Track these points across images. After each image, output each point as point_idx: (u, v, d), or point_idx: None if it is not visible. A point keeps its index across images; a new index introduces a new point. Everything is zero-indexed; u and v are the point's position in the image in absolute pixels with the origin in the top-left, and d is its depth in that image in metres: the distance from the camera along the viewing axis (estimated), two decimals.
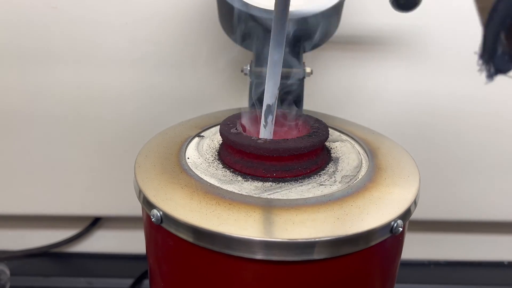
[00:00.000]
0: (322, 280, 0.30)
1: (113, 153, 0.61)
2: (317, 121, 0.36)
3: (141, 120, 0.59)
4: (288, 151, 0.32)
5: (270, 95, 0.33)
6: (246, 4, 0.41)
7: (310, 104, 0.56)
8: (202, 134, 0.39)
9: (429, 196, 0.64)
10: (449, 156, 0.62)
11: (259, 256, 0.28)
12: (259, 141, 0.32)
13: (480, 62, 0.22)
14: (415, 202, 0.32)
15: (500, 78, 0.23)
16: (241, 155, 0.33)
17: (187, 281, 0.31)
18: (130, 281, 0.65)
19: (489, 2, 0.20)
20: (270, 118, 0.34)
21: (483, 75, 0.23)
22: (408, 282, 0.67)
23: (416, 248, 0.70)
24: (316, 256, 0.28)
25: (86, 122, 0.60)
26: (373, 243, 0.29)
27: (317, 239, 0.27)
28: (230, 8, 0.41)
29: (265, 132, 0.35)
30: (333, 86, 0.58)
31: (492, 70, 0.22)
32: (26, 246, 0.68)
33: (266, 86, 0.33)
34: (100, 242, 0.70)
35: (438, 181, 0.63)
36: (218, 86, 0.57)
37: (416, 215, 0.64)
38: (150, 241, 0.33)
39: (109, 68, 0.57)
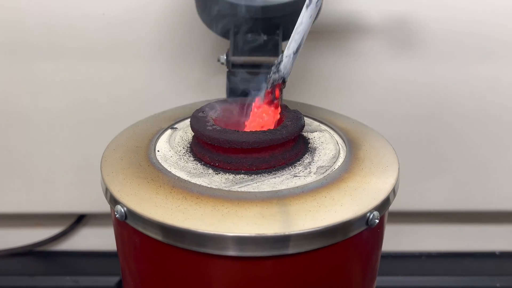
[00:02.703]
0: (298, 274, 0.29)
1: (97, 148, 0.59)
2: (293, 119, 0.34)
3: (123, 113, 0.58)
4: (228, 142, 0.30)
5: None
6: None
7: (293, 94, 0.55)
8: (175, 126, 0.38)
9: (420, 186, 0.63)
10: (438, 146, 0.61)
11: (230, 253, 0.26)
12: (208, 127, 0.31)
13: None
14: (393, 192, 0.31)
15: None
16: (209, 146, 0.32)
17: (156, 279, 0.30)
18: (116, 279, 0.64)
19: None
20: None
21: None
22: (400, 274, 0.67)
23: (407, 239, 0.69)
24: (287, 250, 0.26)
25: (68, 117, 0.58)
26: (348, 236, 0.28)
27: (286, 233, 0.26)
28: None
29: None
30: (317, 76, 0.57)
31: None
32: (10, 245, 0.67)
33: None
34: (85, 240, 0.68)
35: (429, 172, 0.62)
36: (194, 77, 0.56)
37: (406, 206, 0.64)
38: (117, 238, 0.32)
39: (88, 61, 0.55)
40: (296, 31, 0.33)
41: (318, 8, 0.33)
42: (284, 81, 0.34)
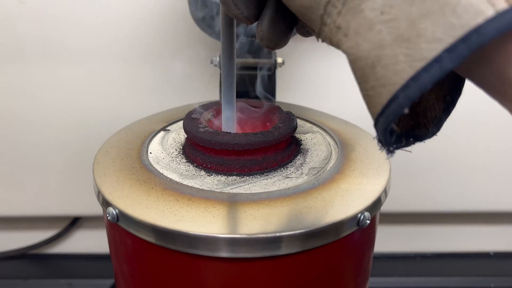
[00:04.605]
0: (290, 275, 0.29)
1: (90, 151, 0.59)
2: (285, 121, 0.34)
3: (117, 116, 0.58)
4: (220, 144, 0.30)
5: None
6: None
7: (285, 95, 0.55)
8: (168, 128, 0.38)
9: (414, 188, 0.63)
10: (432, 146, 0.61)
11: (222, 254, 0.26)
12: (200, 129, 0.31)
13: (379, 145, 0.22)
14: (385, 193, 0.31)
15: None
16: (202, 147, 0.32)
17: (148, 281, 0.30)
18: (110, 282, 0.64)
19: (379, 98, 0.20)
20: None
21: None
22: (394, 274, 0.66)
23: (402, 240, 0.70)
24: (279, 251, 0.26)
25: (61, 120, 0.58)
26: (339, 237, 0.28)
27: (278, 234, 0.26)
28: None
29: None
30: (309, 78, 0.57)
31: (392, 149, 0.22)
32: (4, 248, 0.66)
33: None
34: (79, 243, 0.68)
35: (423, 172, 0.63)
36: (188, 79, 0.56)
37: (401, 207, 0.64)
38: (110, 240, 0.32)
39: (80, 64, 0.55)
40: None
41: None
42: None
